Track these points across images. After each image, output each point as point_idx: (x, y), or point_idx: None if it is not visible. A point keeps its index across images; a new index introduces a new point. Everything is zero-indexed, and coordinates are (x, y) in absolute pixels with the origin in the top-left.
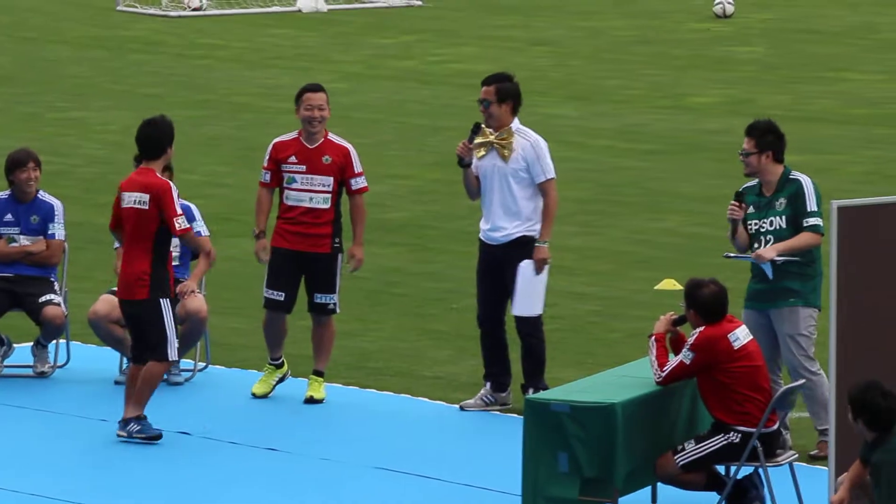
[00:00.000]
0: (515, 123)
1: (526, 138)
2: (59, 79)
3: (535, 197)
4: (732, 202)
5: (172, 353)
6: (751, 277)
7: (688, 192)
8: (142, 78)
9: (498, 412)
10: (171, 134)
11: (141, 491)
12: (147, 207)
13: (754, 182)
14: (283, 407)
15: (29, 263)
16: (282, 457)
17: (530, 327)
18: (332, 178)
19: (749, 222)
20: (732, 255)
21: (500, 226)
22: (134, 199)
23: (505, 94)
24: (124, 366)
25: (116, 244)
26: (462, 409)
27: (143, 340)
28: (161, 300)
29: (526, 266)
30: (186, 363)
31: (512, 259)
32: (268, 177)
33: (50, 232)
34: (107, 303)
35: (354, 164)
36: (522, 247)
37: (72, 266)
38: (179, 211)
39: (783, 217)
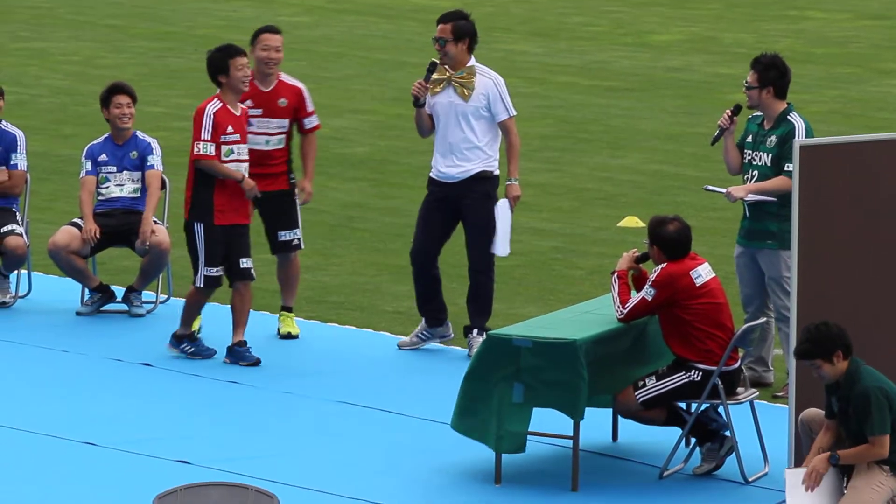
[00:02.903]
0: (472, 61)
1: (487, 76)
2: (18, 9)
3: (491, 134)
4: (728, 110)
5: (198, 280)
6: (742, 213)
7: (650, 130)
8: (103, 9)
9: (439, 345)
10: (217, 64)
11: (102, 422)
12: (192, 132)
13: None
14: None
15: None
16: (243, 390)
17: (485, 265)
18: (287, 120)
19: (745, 151)
20: (710, 187)
21: (459, 163)
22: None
23: (461, 32)
24: (86, 297)
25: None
26: (399, 347)
27: None
28: (196, 224)
29: (503, 205)
30: (148, 295)
31: (471, 193)
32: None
33: (12, 162)
34: (66, 233)
35: (307, 104)
36: (481, 181)
37: (34, 197)
38: (205, 136)
39: (769, 155)
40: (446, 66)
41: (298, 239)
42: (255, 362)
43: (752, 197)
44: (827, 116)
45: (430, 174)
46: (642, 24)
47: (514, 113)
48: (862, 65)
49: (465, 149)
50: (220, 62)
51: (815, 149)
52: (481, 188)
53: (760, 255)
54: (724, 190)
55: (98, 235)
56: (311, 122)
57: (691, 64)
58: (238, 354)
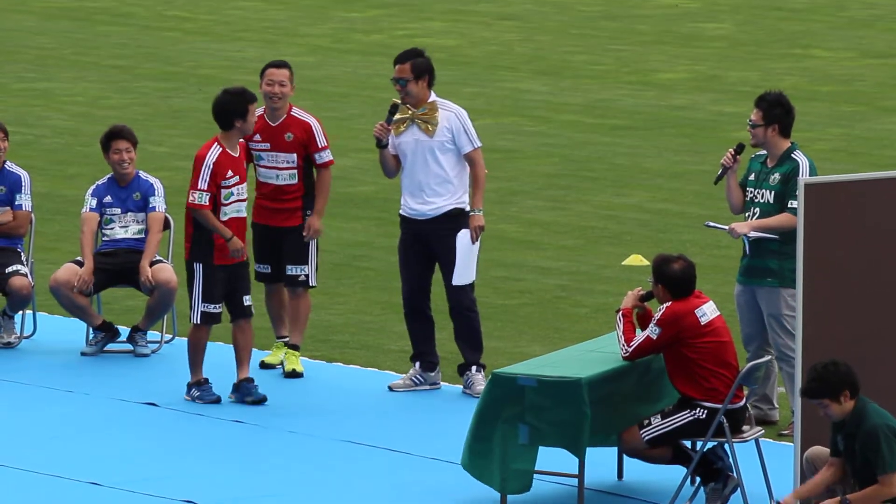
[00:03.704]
0: (433, 97)
1: (448, 110)
2: (23, 49)
3: (460, 168)
4: (731, 149)
5: (195, 317)
6: (742, 251)
7: (654, 168)
8: (108, 50)
9: (427, 389)
10: (236, 108)
11: (106, 462)
12: (191, 177)
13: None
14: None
15: None
16: (248, 429)
17: (468, 301)
18: (295, 155)
19: (747, 189)
20: (711, 224)
21: (429, 200)
22: None
23: (420, 69)
24: (90, 336)
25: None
26: (390, 389)
27: None
28: (196, 264)
29: (463, 235)
30: (153, 335)
31: (443, 232)
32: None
33: (17, 203)
34: (68, 271)
35: (318, 139)
36: (453, 219)
37: (38, 237)
38: (201, 186)
39: (773, 193)
40: (408, 105)
41: (306, 275)
42: (262, 399)
43: (754, 233)
44: (831, 154)
45: (401, 212)
46: (647, 63)
47: (479, 144)
48: (867, 103)
49: (435, 184)
50: (239, 106)
51: (819, 187)
52: (453, 226)
53: (760, 293)
54: (726, 227)
55: (89, 287)
56: (321, 157)
57: (696, 102)
58: (245, 391)
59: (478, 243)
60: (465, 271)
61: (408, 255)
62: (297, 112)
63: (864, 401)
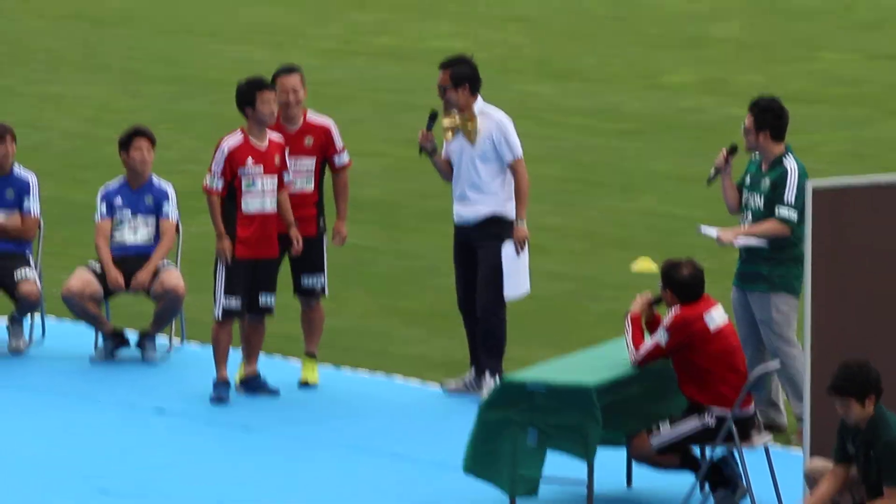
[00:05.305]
0: (480, 103)
1: (491, 119)
2: (33, 52)
3: (500, 175)
4: (724, 149)
5: (216, 312)
6: (739, 255)
7: (662, 171)
8: (119, 53)
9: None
10: (244, 96)
11: (113, 468)
12: None
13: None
14: None
15: (3, 239)
16: (255, 435)
17: (493, 307)
18: (314, 159)
19: (743, 192)
20: (703, 228)
21: (473, 206)
22: None
23: (458, 78)
24: (99, 343)
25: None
26: (444, 389)
27: None
28: (217, 259)
29: (507, 246)
30: (162, 340)
31: (484, 237)
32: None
33: (25, 207)
34: (80, 279)
35: (336, 141)
36: (493, 224)
37: (47, 242)
38: (214, 169)
39: (763, 198)
40: (454, 112)
41: (322, 286)
42: (275, 391)
43: (741, 241)
44: (839, 157)
45: (454, 218)
46: (654, 66)
47: (518, 155)
48: (875, 106)
49: (476, 192)
50: (247, 94)
51: (828, 191)
52: (492, 231)
53: (752, 298)
54: (714, 235)
55: (122, 282)
56: (341, 159)
57: (703, 105)
58: (256, 385)
59: (525, 254)
60: (515, 283)
61: (458, 262)
62: (312, 115)
63: (882, 408)
